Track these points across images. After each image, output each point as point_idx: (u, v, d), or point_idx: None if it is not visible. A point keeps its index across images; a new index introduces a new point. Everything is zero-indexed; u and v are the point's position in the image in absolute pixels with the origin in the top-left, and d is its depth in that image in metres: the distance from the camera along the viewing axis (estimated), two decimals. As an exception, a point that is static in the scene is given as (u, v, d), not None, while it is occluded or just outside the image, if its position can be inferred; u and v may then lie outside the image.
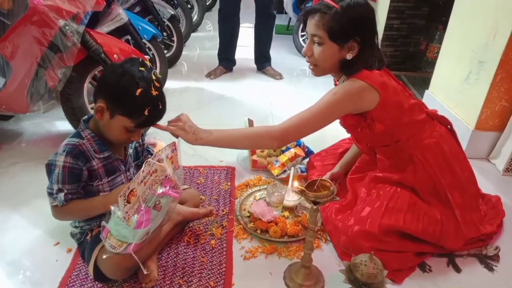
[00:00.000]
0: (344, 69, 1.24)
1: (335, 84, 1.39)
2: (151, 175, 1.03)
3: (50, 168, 1.10)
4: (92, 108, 1.15)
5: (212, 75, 3.03)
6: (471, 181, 1.37)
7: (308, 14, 1.20)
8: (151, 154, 1.40)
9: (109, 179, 1.17)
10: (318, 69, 1.26)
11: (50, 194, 1.09)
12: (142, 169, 1.00)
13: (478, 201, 1.42)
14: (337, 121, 2.10)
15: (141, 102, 1.04)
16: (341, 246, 1.27)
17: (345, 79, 1.25)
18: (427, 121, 1.33)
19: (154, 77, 1.07)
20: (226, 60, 3.11)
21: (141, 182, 1.00)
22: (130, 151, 1.25)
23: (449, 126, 1.38)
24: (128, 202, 0.97)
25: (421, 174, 1.29)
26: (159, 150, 1.08)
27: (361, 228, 1.24)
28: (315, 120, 1.21)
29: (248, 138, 1.25)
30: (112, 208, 0.98)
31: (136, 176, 0.98)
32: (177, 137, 1.16)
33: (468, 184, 1.34)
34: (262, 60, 3.15)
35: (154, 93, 1.06)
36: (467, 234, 1.30)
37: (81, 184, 1.12)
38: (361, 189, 1.43)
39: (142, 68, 1.06)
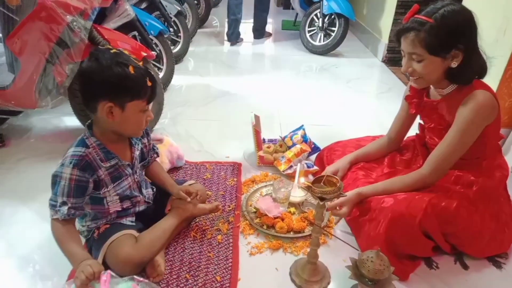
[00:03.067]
0: (452, 78, 1.21)
1: (416, 91, 1.36)
2: None
3: (55, 179, 1.07)
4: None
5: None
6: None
7: (401, 33, 1.17)
8: (157, 154, 1.39)
9: (114, 184, 1.17)
10: (422, 82, 1.24)
11: (53, 206, 1.06)
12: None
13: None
14: (344, 117, 2.07)
15: (138, 76, 1.05)
16: (384, 226, 1.19)
17: (454, 88, 1.23)
18: (500, 147, 1.34)
19: (126, 51, 1.09)
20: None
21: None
22: (137, 153, 1.24)
23: None
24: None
25: (480, 189, 1.25)
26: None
27: (410, 202, 1.20)
28: (459, 149, 1.21)
29: (406, 186, 1.27)
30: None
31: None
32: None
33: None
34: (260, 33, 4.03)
35: (140, 63, 1.08)
36: (494, 251, 1.28)
37: (85, 198, 1.10)
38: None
39: (114, 50, 1.07)
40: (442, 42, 1.12)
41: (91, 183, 1.10)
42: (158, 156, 1.40)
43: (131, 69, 1.03)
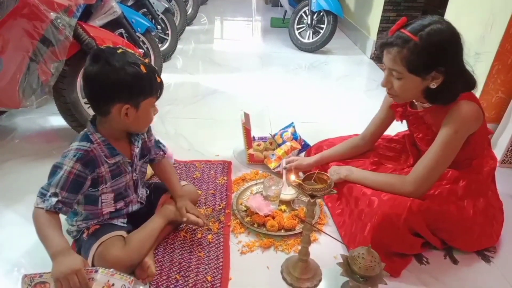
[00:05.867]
0: (430, 98, 1.20)
1: (397, 105, 1.35)
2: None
3: (55, 169, 1.03)
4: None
5: None
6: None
7: (384, 47, 1.15)
8: (164, 151, 1.36)
9: (112, 181, 1.15)
10: (398, 99, 1.24)
11: (43, 195, 1.02)
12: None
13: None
14: (337, 116, 2.06)
15: (150, 74, 1.06)
16: (370, 229, 1.19)
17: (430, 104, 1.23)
18: (489, 142, 1.35)
19: (129, 49, 1.09)
20: None
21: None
22: (136, 150, 1.21)
23: None
24: None
25: (468, 183, 1.26)
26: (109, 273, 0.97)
27: (394, 201, 1.19)
28: (443, 162, 1.20)
29: (385, 184, 1.26)
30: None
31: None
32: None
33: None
34: None
35: (146, 60, 1.09)
36: (484, 245, 1.29)
37: (78, 196, 1.06)
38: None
39: (120, 50, 1.05)
40: (424, 62, 1.10)
41: (89, 181, 1.07)
42: (165, 153, 1.37)
43: (142, 68, 1.04)
